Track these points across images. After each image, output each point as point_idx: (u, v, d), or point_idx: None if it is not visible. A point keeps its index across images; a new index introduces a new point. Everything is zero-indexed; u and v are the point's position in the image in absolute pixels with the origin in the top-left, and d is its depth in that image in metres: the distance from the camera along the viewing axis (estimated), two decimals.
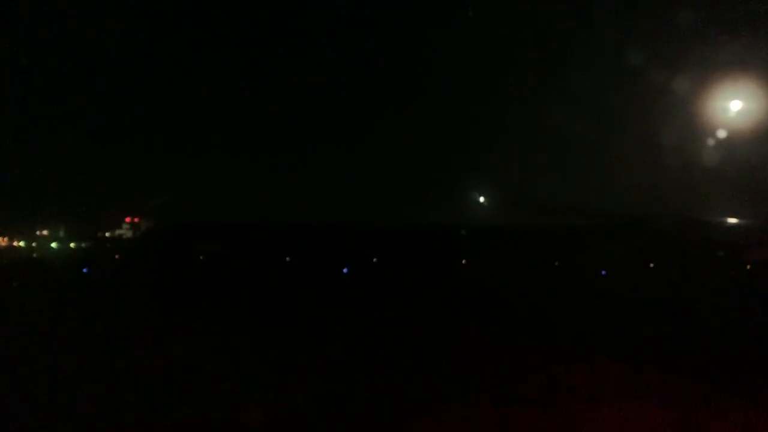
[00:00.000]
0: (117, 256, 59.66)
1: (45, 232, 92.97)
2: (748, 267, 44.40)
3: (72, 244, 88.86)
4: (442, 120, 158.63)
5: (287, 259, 64.42)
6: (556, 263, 52.70)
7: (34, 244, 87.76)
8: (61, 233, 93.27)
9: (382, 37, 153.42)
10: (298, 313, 18.63)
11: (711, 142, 29.16)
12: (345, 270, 43.63)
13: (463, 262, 61.78)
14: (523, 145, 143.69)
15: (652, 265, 47.72)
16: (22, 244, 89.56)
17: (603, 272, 39.17)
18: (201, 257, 61.50)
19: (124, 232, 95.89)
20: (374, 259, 63.47)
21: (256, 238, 79.09)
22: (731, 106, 22.80)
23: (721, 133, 27.00)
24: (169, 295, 24.92)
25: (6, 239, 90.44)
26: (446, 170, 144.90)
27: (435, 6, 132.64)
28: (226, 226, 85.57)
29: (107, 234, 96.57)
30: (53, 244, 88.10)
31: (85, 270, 41.49)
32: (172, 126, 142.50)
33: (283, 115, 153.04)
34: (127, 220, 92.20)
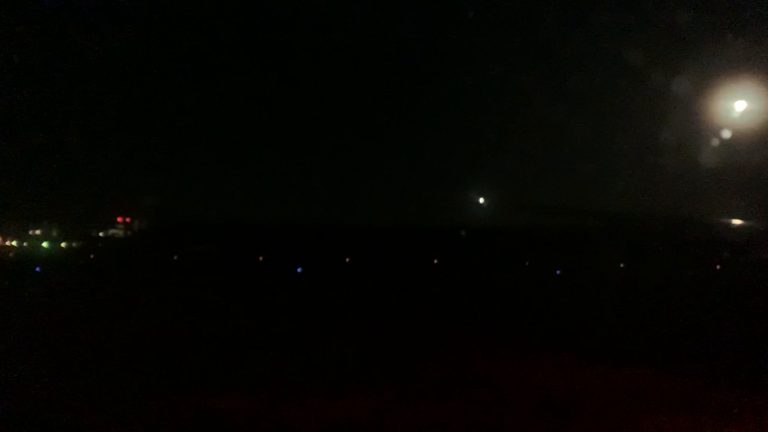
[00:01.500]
0: (92, 256, 59.46)
1: (38, 232, 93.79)
2: (718, 267, 42.94)
3: (63, 244, 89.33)
4: (440, 121, 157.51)
5: (275, 258, 64.41)
6: (527, 263, 52.09)
7: (25, 244, 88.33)
8: (54, 233, 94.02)
9: (381, 37, 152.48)
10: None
11: (714, 142, 28.00)
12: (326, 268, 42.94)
13: (449, 261, 61.13)
14: (523, 146, 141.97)
15: (622, 265, 46.88)
16: (14, 243, 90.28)
17: (557, 271, 38.22)
18: (175, 257, 61.00)
19: (117, 231, 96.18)
20: (363, 259, 63.20)
21: (247, 239, 79.10)
22: (736, 107, 21.64)
23: (726, 134, 25.45)
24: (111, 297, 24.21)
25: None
26: (445, 172, 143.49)
27: (437, 6, 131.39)
28: (218, 226, 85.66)
29: (101, 233, 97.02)
30: (44, 244, 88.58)
31: (37, 269, 41.14)
32: (167, 127, 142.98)
33: (279, 115, 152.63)
34: (119, 219, 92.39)
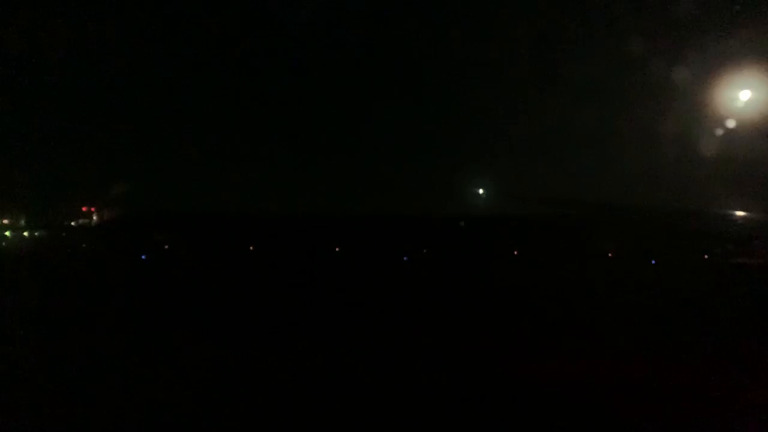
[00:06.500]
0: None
1: (5, 221, 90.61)
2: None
3: (26, 233, 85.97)
4: (437, 111, 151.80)
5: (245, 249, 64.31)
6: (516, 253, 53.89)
7: None
8: (22, 222, 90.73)
9: (378, 28, 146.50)
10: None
11: (719, 132, 28.08)
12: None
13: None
14: (524, 136, 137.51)
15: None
16: None
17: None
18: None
19: (87, 221, 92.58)
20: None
21: (213, 229, 77.12)
22: (740, 96, 21.45)
23: (730, 124, 25.80)
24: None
25: None
26: (443, 162, 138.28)
27: None
28: (183, 216, 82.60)
29: (73, 223, 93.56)
30: (7, 233, 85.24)
31: None
32: (138, 116, 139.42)
33: (257, 104, 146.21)
34: (84, 209, 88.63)
